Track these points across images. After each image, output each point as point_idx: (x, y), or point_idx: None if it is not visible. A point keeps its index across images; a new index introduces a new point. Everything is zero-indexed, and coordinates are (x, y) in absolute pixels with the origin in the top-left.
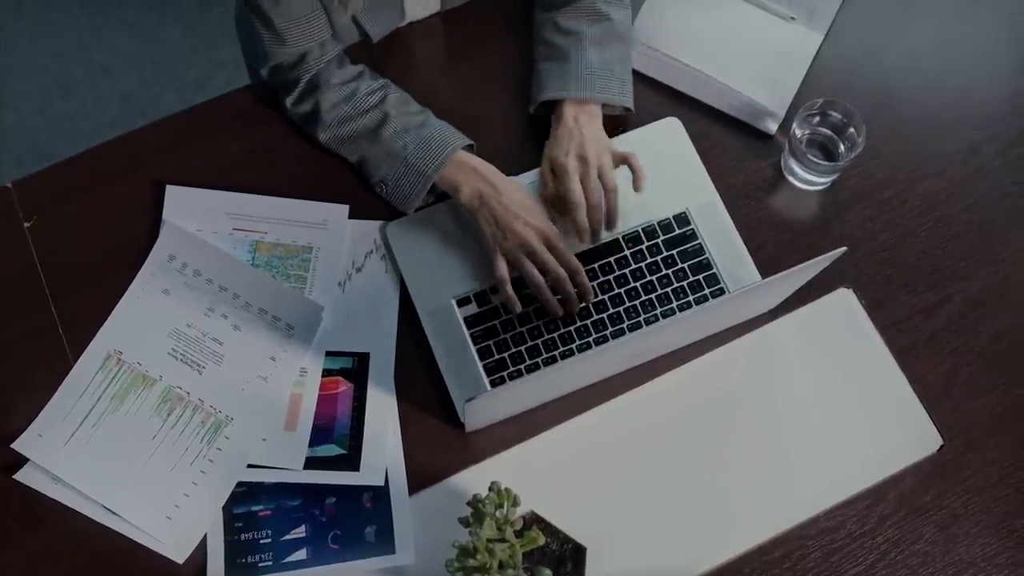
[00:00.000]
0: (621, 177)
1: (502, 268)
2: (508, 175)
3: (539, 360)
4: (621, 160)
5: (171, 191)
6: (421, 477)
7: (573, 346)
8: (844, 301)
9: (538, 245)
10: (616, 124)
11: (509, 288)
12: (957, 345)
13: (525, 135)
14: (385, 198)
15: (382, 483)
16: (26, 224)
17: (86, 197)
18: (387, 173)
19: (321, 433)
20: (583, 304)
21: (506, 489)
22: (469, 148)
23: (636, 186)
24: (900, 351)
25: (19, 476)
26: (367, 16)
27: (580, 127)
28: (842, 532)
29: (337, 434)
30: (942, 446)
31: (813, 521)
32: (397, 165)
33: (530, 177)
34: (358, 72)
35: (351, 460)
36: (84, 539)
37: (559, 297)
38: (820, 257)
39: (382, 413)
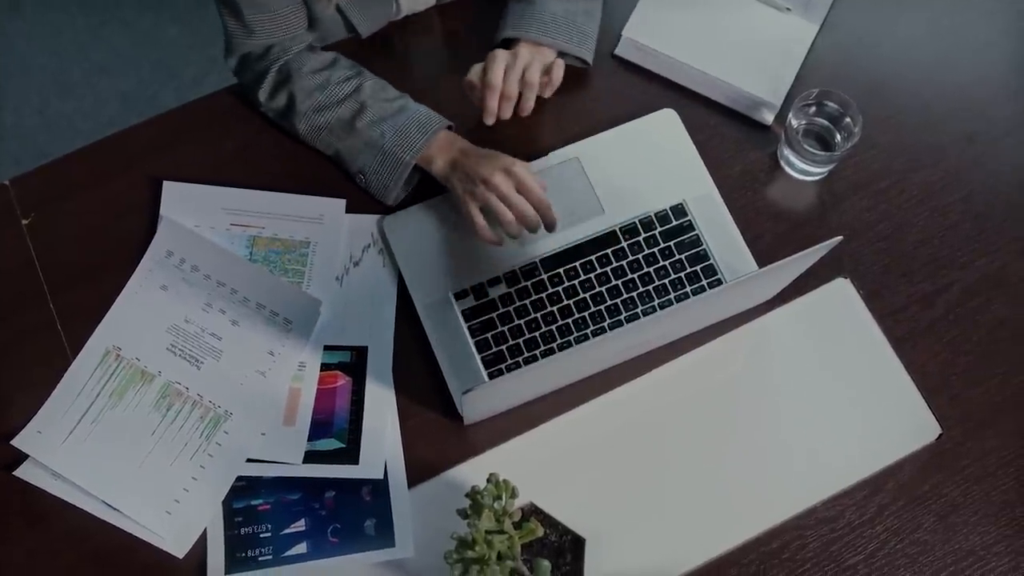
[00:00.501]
0: (624, 169)
1: (477, 216)
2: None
3: (537, 353)
4: (547, 71)
5: (168, 187)
6: (420, 470)
7: (571, 338)
8: (842, 291)
9: (503, 182)
10: (607, 115)
11: (489, 233)
12: (955, 334)
13: (522, 129)
14: (364, 188)
15: (381, 476)
16: (24, 221)
17: (84, 194)
18: (365, 163)
19: (320, 427)
20: (547, 230)
21: (504, 480)
22: (448, 129)
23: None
24: (898, 340)
25: (19, 472)
26: (354, 9)
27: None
28: (841, 522)
29: (336, 428)
30: (940, 435)
31: (812, 511)
32: (375, 154)
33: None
34: (331, 59)
35: (350, 454)
36: (84, 535)
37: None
38: (817, 246)
39: (381, 407)
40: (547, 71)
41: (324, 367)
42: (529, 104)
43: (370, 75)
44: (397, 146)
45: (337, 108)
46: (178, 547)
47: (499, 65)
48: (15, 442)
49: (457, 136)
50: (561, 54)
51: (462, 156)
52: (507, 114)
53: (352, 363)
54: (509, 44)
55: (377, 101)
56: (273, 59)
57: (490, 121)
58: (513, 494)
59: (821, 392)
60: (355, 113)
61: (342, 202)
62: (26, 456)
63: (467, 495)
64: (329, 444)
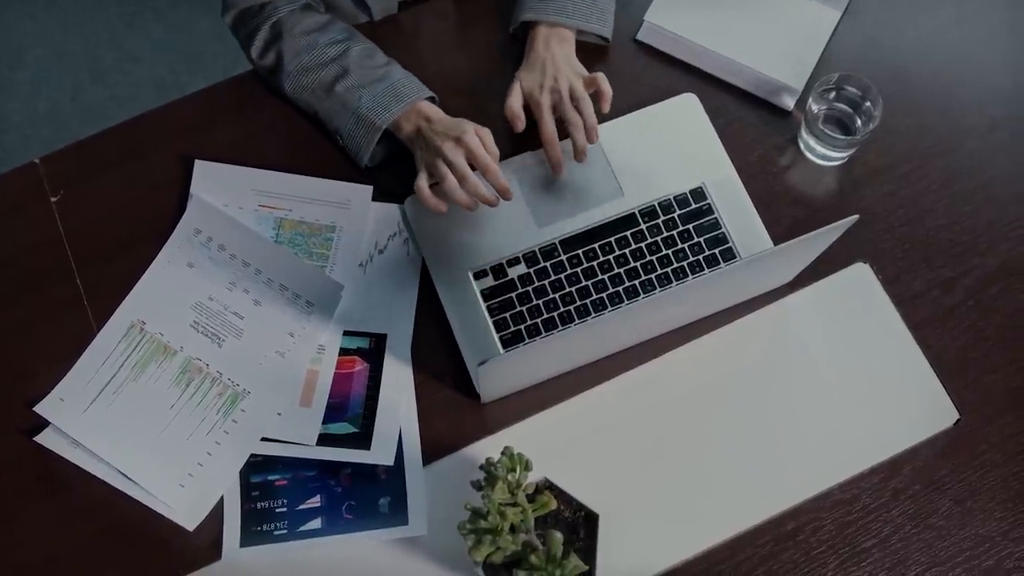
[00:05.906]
0: (644, 152)
1: (420, 180)
2: (516, 153)
3: (554, 332)
4: (591, 82)
5: (199, 166)
6: (435, 448)
7: (589, 319)
8: (861, 275)
9: (452, 151)
10: (628, 99)
11: (432, 201)
12: (974, 320)
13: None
14: (343, 148)
15: (391, 463)
16: (53, 199)
17: (112, 173)
18: (340, 124)
19: (335, 411)
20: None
21: (519, 454)
22: (431, 100)
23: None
24: (916, 325)
25: (40, 439)
26: None
27: (551, 53)
28: (857, 505)
29: (350, 412)
30: (958, 420)
31: (827, 494)
32: (349, 116)
33: (539, 156)
34: (325, 21)
35: (363, 439)
36: (100, 503)
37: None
38: (833, 224)
39: (396, 395)
40: (591, 84)
41: (342, 352)
42: (581, 144)
43: (361, 40)
44: (371, 111)
45: (321, 71)
46: (189, 520)
47: (547, 115)
48: (38, 408)
49: (432, 107)
50: (581, 32)
51: (427, 124)
52: (584, 141)
53: (370, 350)
54: (526, 26)
55: (361, 67)
56: (266, 16)
57: (560, 173)
58: (527, 467)
59: (839, 375)
60: (337, 77)
61: (369, 188)
62: (47, 423)
63: (481, 467)
64: (342, 428)
